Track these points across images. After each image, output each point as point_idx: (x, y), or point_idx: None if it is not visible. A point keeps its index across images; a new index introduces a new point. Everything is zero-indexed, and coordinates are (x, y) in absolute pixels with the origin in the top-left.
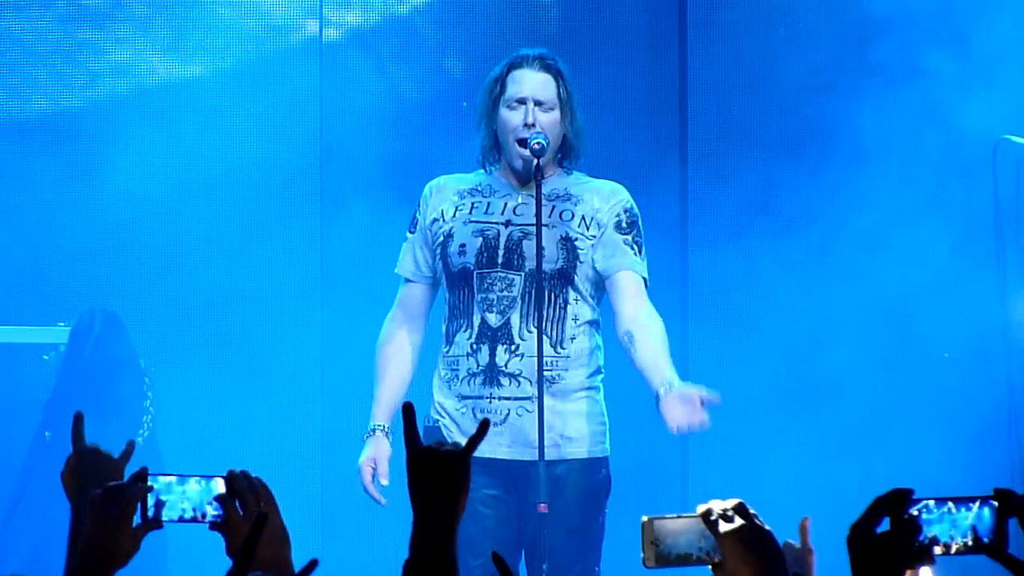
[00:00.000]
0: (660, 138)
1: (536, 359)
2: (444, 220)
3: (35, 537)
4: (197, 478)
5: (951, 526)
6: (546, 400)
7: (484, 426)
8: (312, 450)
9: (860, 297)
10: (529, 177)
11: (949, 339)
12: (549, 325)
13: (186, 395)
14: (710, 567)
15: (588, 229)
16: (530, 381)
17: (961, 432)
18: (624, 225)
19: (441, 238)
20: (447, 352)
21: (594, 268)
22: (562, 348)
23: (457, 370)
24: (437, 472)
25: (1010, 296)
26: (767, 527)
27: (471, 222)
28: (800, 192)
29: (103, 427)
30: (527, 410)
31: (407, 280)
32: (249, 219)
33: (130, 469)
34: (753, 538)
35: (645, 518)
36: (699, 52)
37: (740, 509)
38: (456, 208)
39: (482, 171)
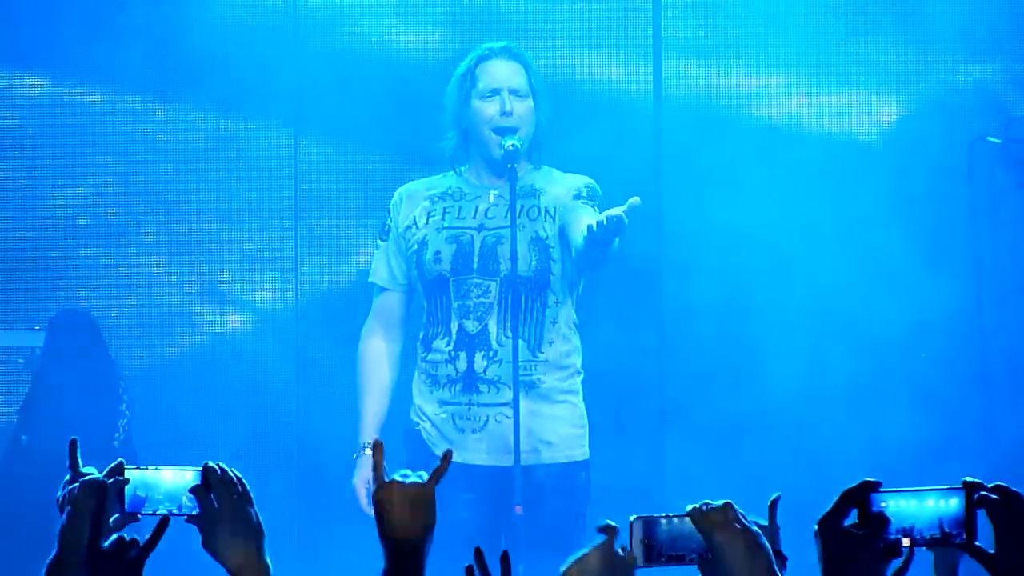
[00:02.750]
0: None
1: (512, 364)
2: (417, 227)
3: (7, 541)
4: (173, 471)
5: (919, 518)
6: (525, 404)
7: (447, 457)
8: (288, 443)
9: (837, 293)
10: (504, 171)
11: (926, 339)
12: (526, 329)
13: (159, 390)
14: (699, 567)
15: (554, 221)
16: (508, 387)
17: (935, 424)
18: (584, 196)
19: (415, 246)
20: (426, 358)
21: (564, 257)
22: (540, 352)
23: (436, 376)
24: (403, 506)
25: (986, 296)
26: (756, 527)
27: (444, 228)
28: (775, 180)
29: (79, 429)
30: (506, 416)
31: (382, 289)
32: (221, 207)
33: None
34: (743, 538)
35: (634, 517)
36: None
37: (728, 510)
38: (428, 215)
39: (451, 173)
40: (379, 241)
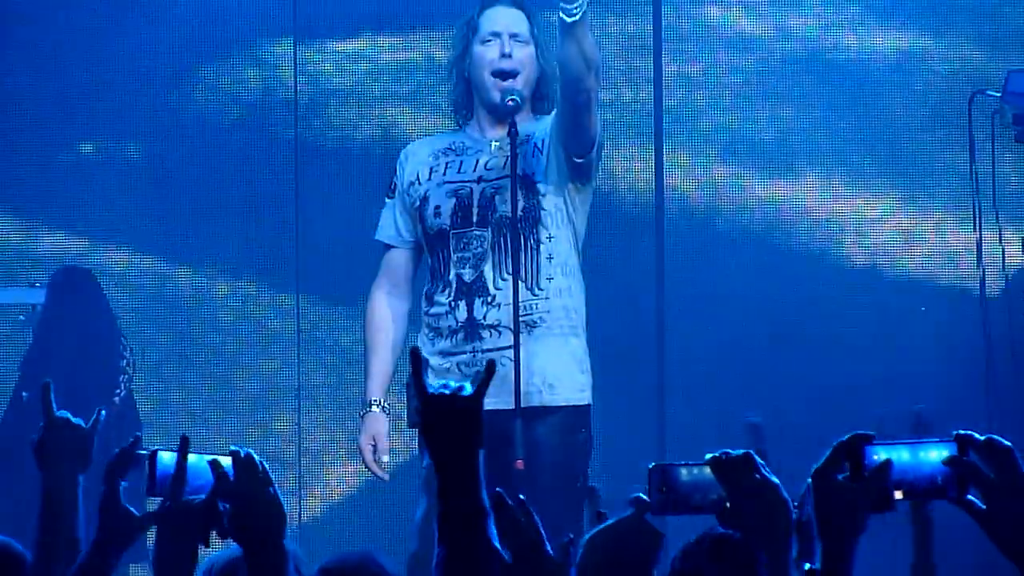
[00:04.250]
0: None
1: (512, 306)
2: (419, 183)
3: (10, 498)
4: (197, 455)
5: (911, 471)
6: (528, 344)
7: (491, 367)
8: (289, 425)
9: (838, 250)
10: (505, 114)
11: (926, 291)
12: (523, 269)
13: (161, 370)
14: (716, 516)
15: (542, 153)
16: (510, 329)
17: (935, 380)
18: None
19: (418, 201)
20: (428, 311)
21: (557, 176)
22: (540, 289)
23: (439, 328)
24: (449, 418)
25: (984, 250)
26: (774, 479)
27: (445, 183)
28: (783, 140)
29: (79, 385)
30: (510, 359)
31: (389, 246)
32: (223, 189)
33: (106, 434)
34: (761, 489)
35: (653, 465)
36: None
37: (748, 460)
38: (431, 169)
39: (455, 128)
40: (386, 198)
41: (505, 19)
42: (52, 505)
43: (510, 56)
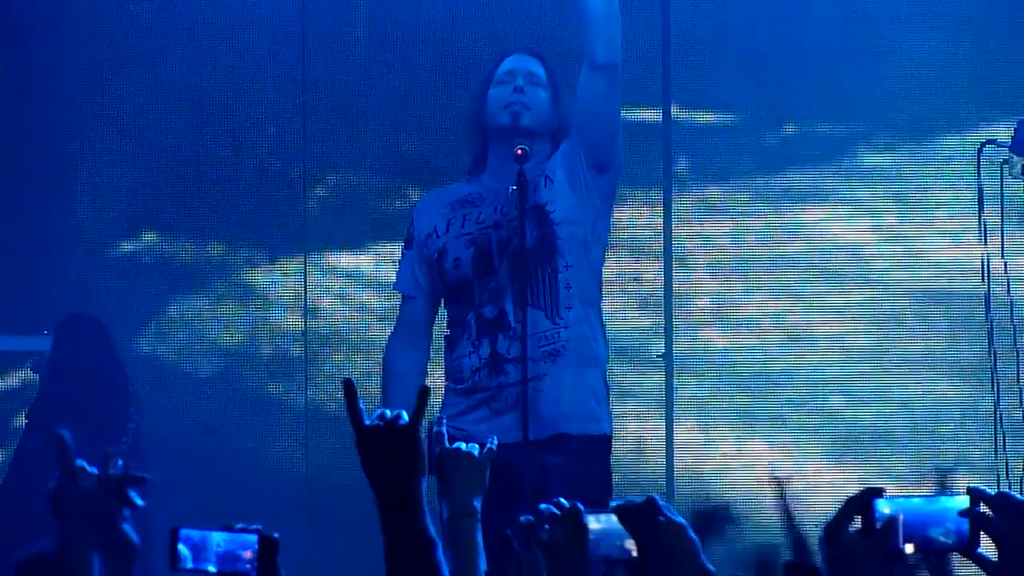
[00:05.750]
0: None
1: (534, 337)
2: (437, 235)
3: (11, 546)
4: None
5: (923, 525)
6: (553, 374)
7: (424, 393)
8: (297, 431)
9: (846, 294)
10: (515, 158)
11: (936, 345)
12: (542, 299)
13: (168, 378)
14: (624, 567)
15: (554, 183)
16: (534, 359)
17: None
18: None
19: (436, 254)
20: (451, 356)
21: (572, 202)
22: (560, 318)
23: (462, 369)
24: (387, 449)
25: (994, 301)
26: (680, 520)
27: (464, 235)
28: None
29: (86, 435)
30: (537, 389)
31: (408, 296)
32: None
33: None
34: (668, 531)
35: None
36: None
37: (650, 505)
38: (448, 221)
39: (471, 179)
40: (404, 250)
41: (521, 62)
42: (68, 551)
43: (523, 91)
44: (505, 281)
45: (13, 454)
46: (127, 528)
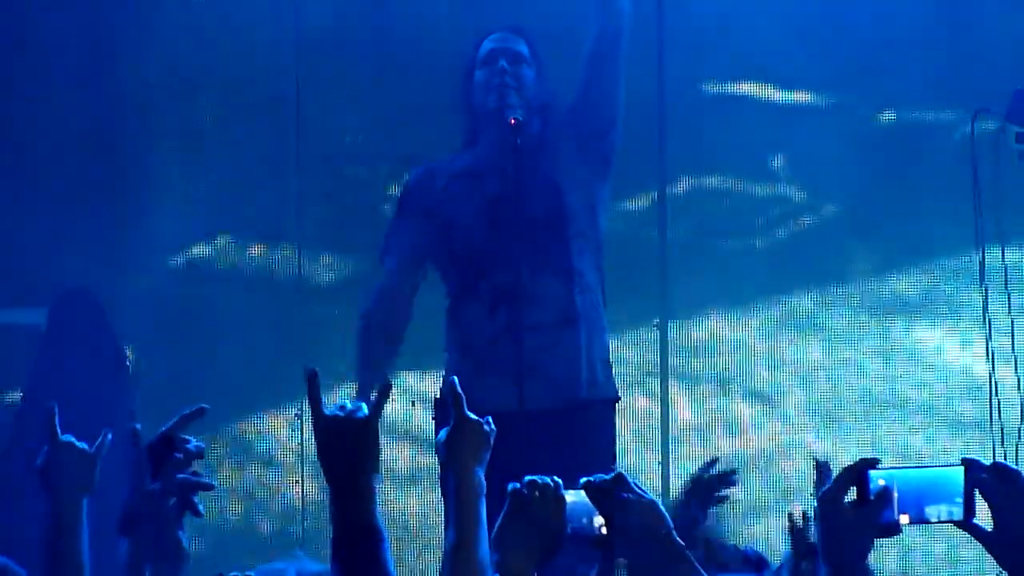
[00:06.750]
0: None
1: (550, 304)
2: (440, 205)
3: (8, 521)
4: None
5: (918, 496)
6: (566, 342)
7: (386, 389)
8: (293, 425)
9: (840, 270)
10: (509, 131)
11: (927, 313)
12: (557, 266)
13: (164, 364)
14: (594, 543)
15: (557, 151)
16: (551, 327)
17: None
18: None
19: (440, 223)
20: (458, 326)
21: (578, 171)
22: (574, 285)
23: (472, 338)
24: (344, 440)
25: (987, 266)
26: (649, 496)
27: (469, 204)
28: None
29: (80, 410)
30: (554, 355)
31: (391, 267)
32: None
33: (110, 457)
34: (638, 507)
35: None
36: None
37: (619, 481)
38: (451, 193)
39: (467, 152)
40: (394, 219)
41: (503, 41)
42: (57, 529)
43: (507, 71)
44: (518, 249)
45: (10, 429)
46: (181, 535)
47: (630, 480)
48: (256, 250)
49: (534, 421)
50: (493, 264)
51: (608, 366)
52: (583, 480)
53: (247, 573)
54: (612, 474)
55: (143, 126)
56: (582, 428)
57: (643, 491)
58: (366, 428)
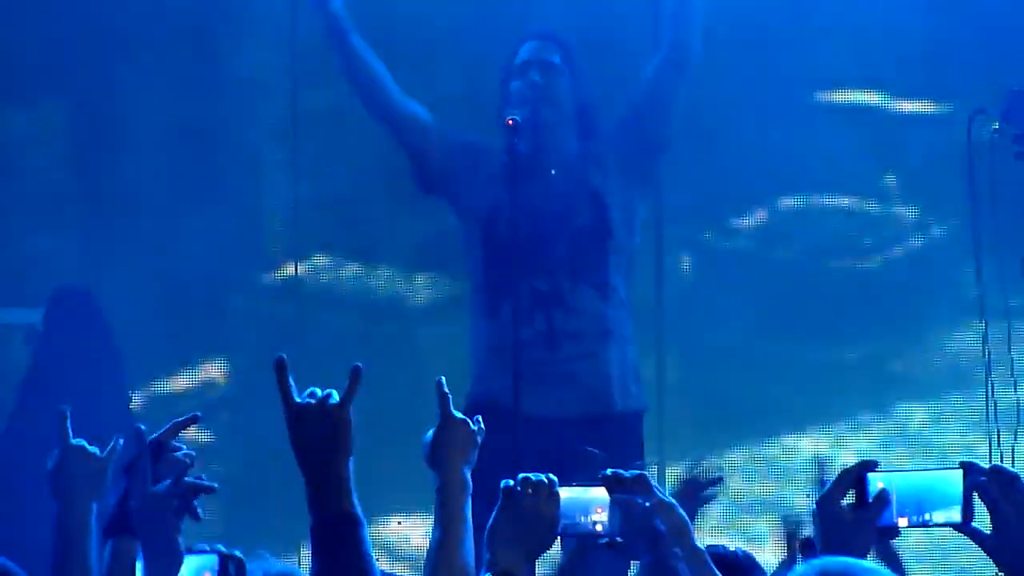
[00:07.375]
0: None
1: (589, 315)
2: (482, 184)
3: (7, 521)
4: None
5: (916, 499)
6: (602, 353)
7: (356, 373)
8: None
9: (837, 271)
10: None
11: (925, 314)
12: (596, 278)
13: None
14: (605, 545)
15: (603, 163)
16: (590, 336)
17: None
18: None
19: (484, 211)
20: (490, 326)
21: (621, 187)
22: (611, 299)
23: (503, 340)
24: (317, 428)
25: (984, 272)
26: (669, 499)
27: (518, 202)
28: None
29: (77, 409)
30: (592, 366)
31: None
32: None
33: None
34: (659, 512)
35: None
36: None
37: (642, 482)
38: (494, 179)
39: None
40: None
41: (535, 51)
42: (66, 533)
43: (537, 81)
44: (561, 257)
45: (5, 429)
46: (178, 538)
47: (651, 481)
48: (256, 250)
49: (568, 428)
50: (534, 268)
51: (639, 378)
52: (603, 472)
53: (218, 545)
54: (634, 473)
55: (139, 128)
56: (614, 438)
57: (663, 493)
58: (340, 414)
